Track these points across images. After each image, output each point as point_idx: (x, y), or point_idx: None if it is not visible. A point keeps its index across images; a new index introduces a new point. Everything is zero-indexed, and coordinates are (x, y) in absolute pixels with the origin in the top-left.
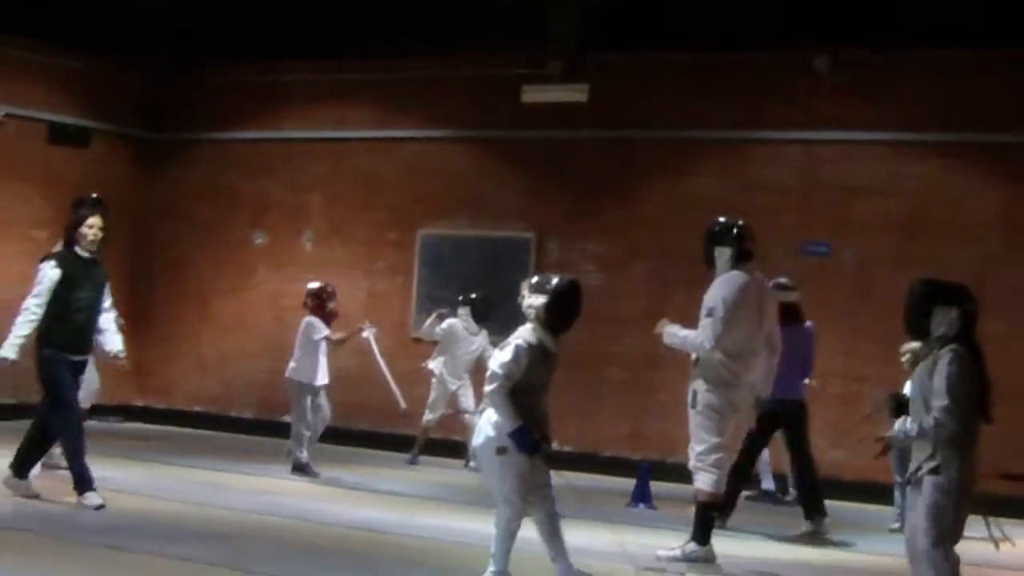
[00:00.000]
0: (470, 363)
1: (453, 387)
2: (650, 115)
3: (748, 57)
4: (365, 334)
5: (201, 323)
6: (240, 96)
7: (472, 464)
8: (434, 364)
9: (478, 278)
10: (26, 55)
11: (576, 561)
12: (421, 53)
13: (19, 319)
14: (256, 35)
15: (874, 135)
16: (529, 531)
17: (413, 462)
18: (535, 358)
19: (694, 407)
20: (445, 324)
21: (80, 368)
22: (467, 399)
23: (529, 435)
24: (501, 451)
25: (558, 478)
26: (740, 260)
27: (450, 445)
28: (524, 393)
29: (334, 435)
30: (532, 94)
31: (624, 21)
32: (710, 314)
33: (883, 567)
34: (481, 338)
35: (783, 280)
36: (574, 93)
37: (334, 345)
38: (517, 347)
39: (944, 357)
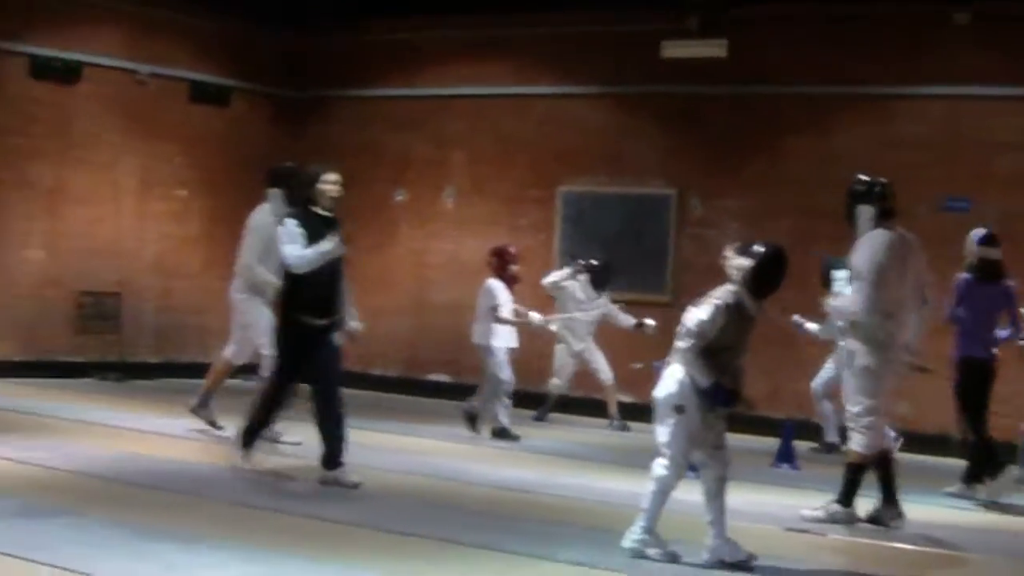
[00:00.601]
0: (590, 326)
1: (577, 348)
2: (790, 70)
3: (889, 10)
4: (536, 323)
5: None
6: (379, 52)
7: (614, 424)
8: (555, 325)
9: (619, 235)
10: (167, 14)
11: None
12: (559, 9)
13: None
14: None
15: (1016, 90)
16: (682, 492)
17: (540, 419)
18: (731, 319)
19: (850, 368)
20: (563, 283)
21: (326, 334)
22: (597, 362)
23: (724, 389)
24: (679, 409)
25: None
26: (882, 218)
27: (591, 403)
28: (717, 353)
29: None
30: (671, 49)
31: None
32: (859, 277)
33: None
34: (601, 302)
35: (983, 232)
36: (713, 48)
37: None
38: (715, 306)
39: None
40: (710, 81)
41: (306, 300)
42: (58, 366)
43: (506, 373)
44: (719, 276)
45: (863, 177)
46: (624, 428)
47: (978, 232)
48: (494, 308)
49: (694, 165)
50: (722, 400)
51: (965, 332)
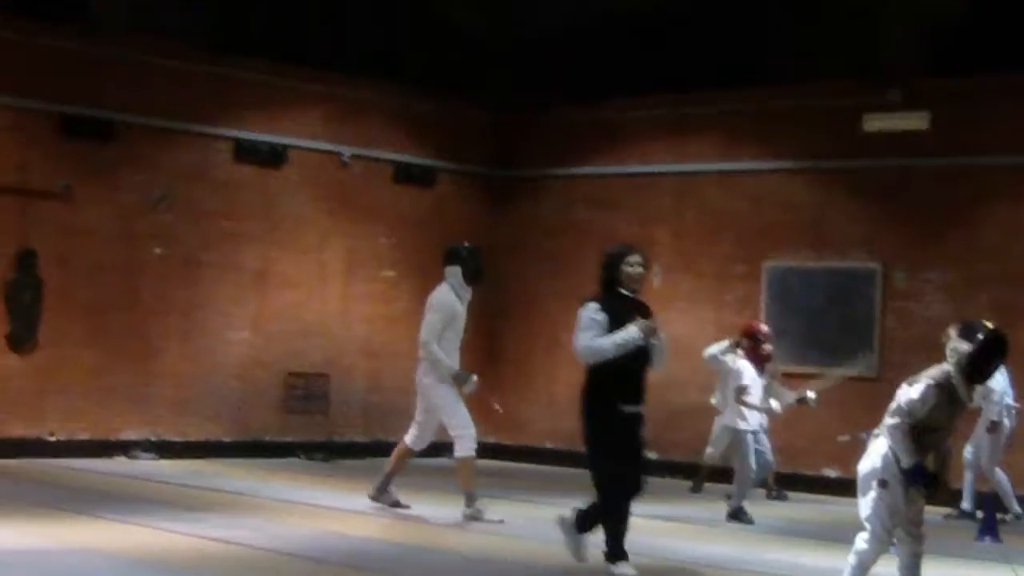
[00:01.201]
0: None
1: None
2: (993, 140)
3: None
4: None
5: (551, 359)
6: (583, 131)
7: (773, 494)
8: (714, 399)
9: (823, 310)
10: (370, 95)
11: None
12: (760, 84)
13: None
14: (592, 70)
15: None
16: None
17: (696, 491)
18: (942, 400)
19: None
20: (725, 356)
21: (637, 423)
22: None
23: (924, 471)
24: (883, 484)
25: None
26: None
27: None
28: (924, 433)
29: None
30: (873, 122)
31: (964, 45)
32: None
33: None
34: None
35: None
36: (915, 120)
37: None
38: (927, 387)
39: None
40: (912, 153)
41: (617, 385)
42: (266, 446)
43: (751, 458)
44: (923, 349)
45: None
46: (782, 497)
47: None
48: (741, 389)
49: (897, 238)
50: (922, 482)
51: None
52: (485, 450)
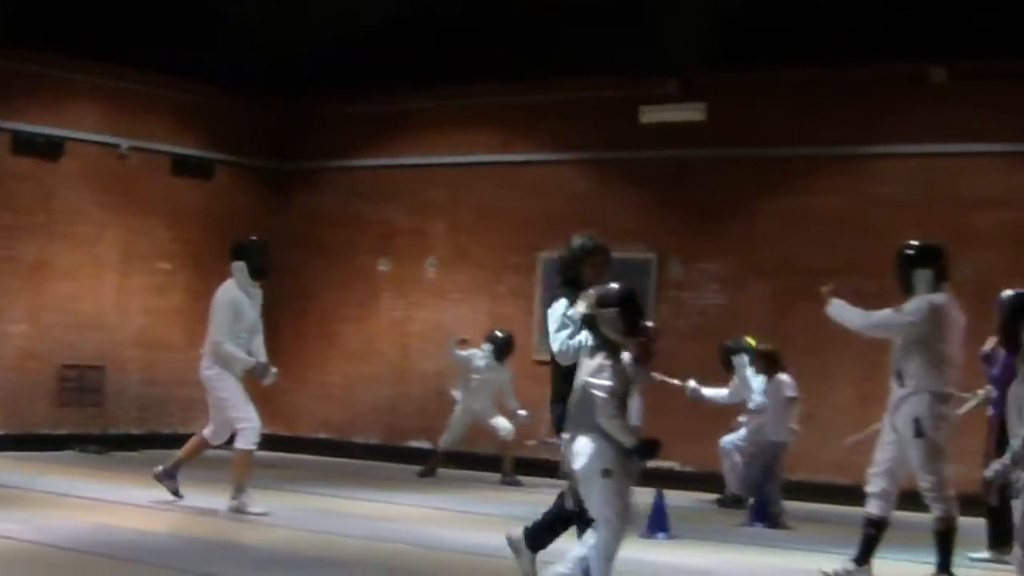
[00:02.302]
0: (492, 394)
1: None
2: (768, 132)
3: (865, 71)
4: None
5: (326, 350)
6: (361, 123)
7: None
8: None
9: None
10: (147, 88)
11: None
12: (538, 77)
13: None
14: (375, 64)
15: (992, 147)
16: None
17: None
18: (619, 373)
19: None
20: (465, 352)
21: None
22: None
23: (651, 442)
24: (607, 474)
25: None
26: (940, 280)
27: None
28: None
29: (456, 460)
30: (650, 114)
31: (740, 39)
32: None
33: None
34: (499, 373)
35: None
36: (691, 112)
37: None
38: (611, 368)
39: None
40: (689, 145)
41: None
42: (40, 439)
43: None
44: (697, 338)
45: (915, 241)
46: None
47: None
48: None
49: (674, 229)
50: (653, 453)
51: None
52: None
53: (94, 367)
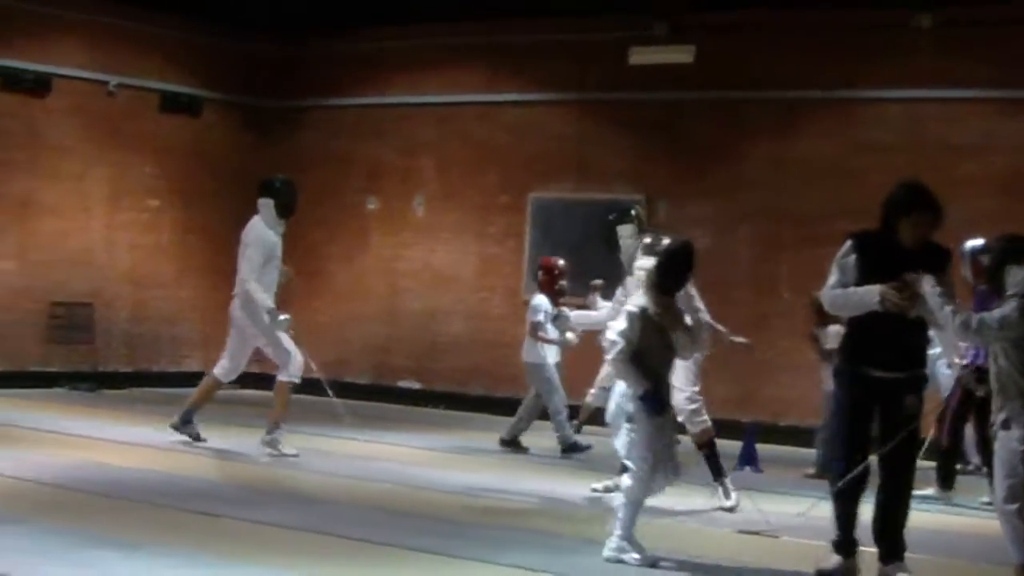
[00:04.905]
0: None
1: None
2: (756, 75)
3: (852, 15)
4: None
5: (315, 289)
6: (349, 62)
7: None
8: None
9: (587, 241)
10: (136, 25)
11: (674, 523)
12: (527, 16)
13: None
14: (363, 2)
15: (978, 93)
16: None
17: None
18: (647, 323)
19: None
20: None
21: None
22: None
23: (656, 396)
24: (629, 419)
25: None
26: None
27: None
28: (645, 357)
29: (448, 399)
30: (639, 56)
31: None
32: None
33: None
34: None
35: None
36: (680, 54)
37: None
38: (630, 314)
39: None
40: (678, 87)
41: (868, 346)
42: (29, 376)
43: (560, 390)
44: None
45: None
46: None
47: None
48: (535, 325)
49: (661, 171)
50: (654, 408)
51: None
52: (248, 380)
53: (83, 304)
